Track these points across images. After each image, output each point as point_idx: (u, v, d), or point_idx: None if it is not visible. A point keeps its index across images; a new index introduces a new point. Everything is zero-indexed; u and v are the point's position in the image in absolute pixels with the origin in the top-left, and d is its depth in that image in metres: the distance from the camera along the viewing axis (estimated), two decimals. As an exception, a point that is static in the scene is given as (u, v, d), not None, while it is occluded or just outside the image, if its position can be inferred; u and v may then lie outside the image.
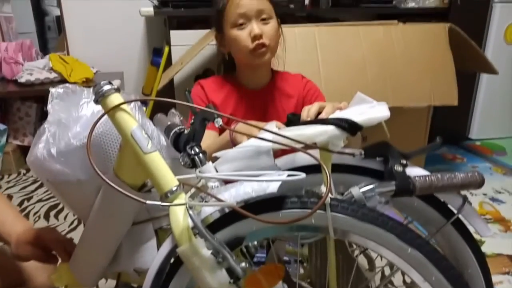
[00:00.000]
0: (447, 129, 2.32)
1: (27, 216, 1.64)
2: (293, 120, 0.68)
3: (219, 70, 1.14)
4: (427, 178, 0.60)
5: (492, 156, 2.23)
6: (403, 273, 1.07)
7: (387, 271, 1.14)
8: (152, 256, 0.70)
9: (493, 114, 2.41)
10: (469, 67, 1.83)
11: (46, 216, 1.64)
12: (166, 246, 0.56)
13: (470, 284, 0.64)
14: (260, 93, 1.04)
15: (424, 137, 1.74)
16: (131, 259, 0.71)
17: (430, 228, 0.67)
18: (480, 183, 0.62)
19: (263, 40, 0.95)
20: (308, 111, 0.74)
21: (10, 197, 1.80)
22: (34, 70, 2.00)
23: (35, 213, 1.66)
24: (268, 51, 0.97)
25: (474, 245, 0.66)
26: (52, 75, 2.00)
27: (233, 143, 0.83)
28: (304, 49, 1.47)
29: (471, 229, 0.65)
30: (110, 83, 0.57)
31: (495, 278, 1.24)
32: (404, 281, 1.14)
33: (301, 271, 0.79)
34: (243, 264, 0.51)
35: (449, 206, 0.65)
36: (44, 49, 2.43)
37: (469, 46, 1.62)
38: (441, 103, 1.55)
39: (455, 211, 0.64)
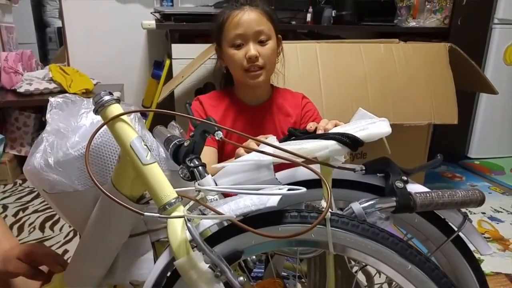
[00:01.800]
0: (447, 148, 2.33)
1: (22, 227, 1.62)
2: (294, 134, 0.68)
3: (220, 83, 1.15)
4: (428, 195, 0.59)
5: (491, 176, 2.24)
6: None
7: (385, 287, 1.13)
8: (149, 269, 0.69)
9: (493, 133, 2.43)
10: (469, 86, 1.85)
11: (42, 227, 1.62)
12: (163, 259, 0.55)
13: (470, 302, 0.64)
14: (258, 110, 1.04)
15: (423, 155, 1.74)
16: (127, 271, 0.70)
17: (429, 245, 0.67)
18: (480, 201, 0.61)
19: (259, 62, 0.95)
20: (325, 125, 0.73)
21: (5, 207, 1.79)
22: (34, 80, 2.01)
23: (30, 224, 1.64)
24: (263, 73, 0.98)
25: (474, 263, 0.65)
26: (52, 86, 2.00)
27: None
28: (305, 65, 1.48)
29: (471, 247, 0.64)
30: (110, 93, 0.57)
31: (494, 298, 1.24)
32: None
33: (299, 286, 0.78)
34: (241, 278, 0.50)
35: (450, 223, 0.65)
36: (45, 60, 2.44)
37: (469, 65, 1.64)
38: (441, 121, 1.56)
39: (456, 229, 0.64)
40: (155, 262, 0.71)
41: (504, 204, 1.90)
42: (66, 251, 1.44)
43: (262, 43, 0.96)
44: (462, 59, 1.62)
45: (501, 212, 1.82)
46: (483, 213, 1.80)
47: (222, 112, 1.04)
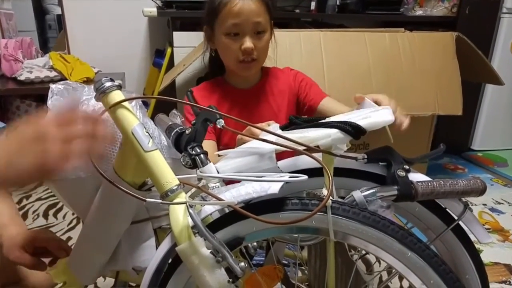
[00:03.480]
0: (450, 140, 2.31)
1: (26, 214, 1.63)
2: (295, 121, 0.68)
3: (210, 68, 1.13)
4: (429, 184, 0.59)
5: (494, 168, 2.24)
6: (400, 278, 1.07)
7: (384, 275, 1.14)
8: (151, 255, 0.70)
9: (496, 125, 2.41)
10: (475, 77, 1.82)
11: (45, 215, 1.64)
12: (165, 245, 0.56)
13: (468, 289, 0.64)
14: (251, 92, 1.04)
15: (427, 146, 1.73)
16: (129, 257, 0.71)
17: (430, 234, 0.67)
18: (482, 191, 0.61)
19: (253, 55, 0.94)
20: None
21: (9, 194, 1.80)
22: (34, 68, 1.99)
23: (34, 212, 1.65)
24: (255, 65, 0.97)
25: (473, 251, 0.66)
26: (52, 74, 1.99)
27: None
28: (309, 54, 1.47)
29: (471, 235, 0.65)
30: (111, 79, 0.57)
31: (492, 286, 1.25)
32: (401, 287, 1.13)
33: (300, 274, 0.79)
34: (242, 264, 0.50)
35: (450, 212, 0.65)
36: (45, 48, 2.42)
37: (475, 56, 1.62)
38: (446, 112, 1.54)
39: (456, 217, 0.64)
40: (157, 249, 0.72)
41: (506, 196, 1.90)
42: (69, 238, 1.46)
43: (258, 34, 0.94)
44: (468, 49, 1.60)
45: (503, 203, 1.82)
46: (484, 204, 1.80)
47: (215, 101, 1.03)
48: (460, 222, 0.64)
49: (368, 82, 1.48)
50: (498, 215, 1.72)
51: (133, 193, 0.51)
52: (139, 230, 0.73)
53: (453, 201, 0.64)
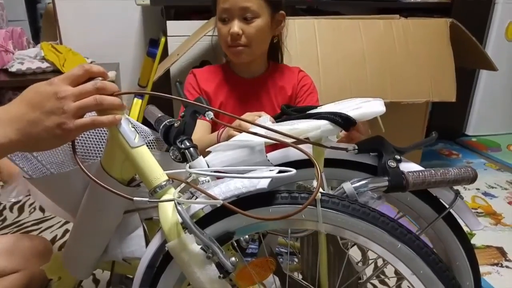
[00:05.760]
0: (445, 126, 2.32)
1: (22, 208, 1.63)
2: (287, 112, 0.67)
3: (219, 60, 1.13)
4: (420, 174, 0.59)
5: (487, 152, 2.25)
6: (385, 264, 1.08)
7: (379, 262, 1.15)
8: (139, 245, 0.70)
9: (491, 111, 2.41)
10: (469, 63, 1.82)
11: (42, 208, 1.63)
12: (156, 241, 0.56)
13: (458, 276, 0.66)
14: (253, 82, 1.03)
15: (421, 133, 1.73)
16: (118, 249, 0.71)
17: (421, 222, 0.67)
18: (472, 179, 0.62)
19: (241, 41, 0.93)
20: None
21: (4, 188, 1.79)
22: (26, 59, 1.96)
23: (30, 205, 1.65)
24: (246, 51, 0.95)
25: (464, 238, 0.66)
26: (45, 65, 1.96)
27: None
28: (303, 42, 1.45)
29: (462, 223, 0.65)
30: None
31: (484, 269, 1.28)
32: (395, 272, 1.15)
33: (293, 263, 0.79)
34: (233, 259, 0.50)
35: (441, 200, 0.65)
36: (36, 38, 2.37)
37: (469, 42, 1.61)
38: (440, 99, 1.54)
39: (447, 206, 0.64)
40: (146, 239, 0.72)
41: (499, 180, 1.92)
42: (67, 231, 1.46)
43: (247, 20, 0.93)
44: (463, 35, 1.59)
45: (495, 188, 1.85)
46: (478, 189, 1.82)
47: (215, 85, 1.03)
48: (451, 210, 0.64)
49: (363, 70, 1.47)
50: (491, 199, 1.74)
51: (119, 193, 0.50)
52: (126, 221, 0.72)
53: (444, 190, 0.64)
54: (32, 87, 0.50)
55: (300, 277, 0.71)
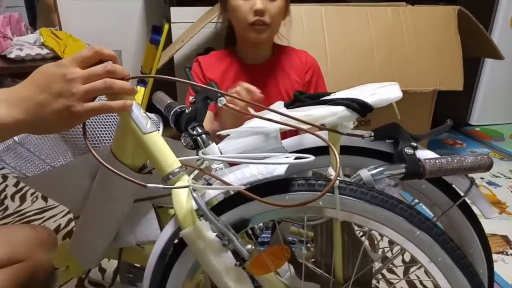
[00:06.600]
0: (449, 115, 2.30)
1: (24, 196, 1.62)
2: (300, 98, 0.65)
3: (226, 45, 1.10)
4: (437, 161, 0.58)
5: (491, 142, 2.26)
6: (402, 252, 1.08)
7: (390, 250, 1.15)
8: (153, 228, 0.69)
9: (494, 100, 2.41)
10: (474, 52, 1.80)
11: (44, 197, 1.62)
12: (169, 228, 0.55)
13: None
14: (260, 68, 1.01)
15: (427, 122, 1.72)
16: (131, 234, 0.70)
17: (436, 210, 0.67)
18: (488, 166, 0.61)
19: (264, 18, 0.91)
20: None
21: (5, 177, 1.78)
22: (24, 46, 1.92)
23: (32, 194, 1.64)
24: (268, 30, 0.93)
25: (478, 226, 0.66)
26: (44, 51, 1.92)
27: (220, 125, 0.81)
28: (311, 30, 1.43)
29: (476, 211, 0.65)
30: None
31: (489, 257, 1.29)
32: (403, 260, 1.15)
33: (305, 251, 0.79)
34: (249, 246, 0.50)
35: (456, 188, 0.64)
36: (34, 24, 2.33)
37: (476, 30, 1.59)
38: (447, 87, 1.52)
39: (462, 194, 0.63)
40: (158, 223, 0.71)
41: (502, 169, 1.92)
42: (71, 220, 1.45)
43: None
44: (469, 23, 1.57)
45: (499, 177, 1.85)
46: (482, 178, 1.83)
47: (221, 72, 1.00)
48: (466, 198, 0.63)
49: (371, 58, 1.45)
50: (495, 188, 1.75)
51: (133, 179, 0.49)
52: (137, 206, 0.71)
53: (459, 177, 0.63)
54: (40, 69, 0.49)
55: (313, 265, 0.70)
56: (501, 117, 2.47)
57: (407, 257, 1.16)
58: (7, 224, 1.41)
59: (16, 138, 0.59)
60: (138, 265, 0.84)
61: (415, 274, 1.12)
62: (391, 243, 1.12)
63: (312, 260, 0.69)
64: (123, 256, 0.77)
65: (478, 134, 2.35)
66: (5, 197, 1.61)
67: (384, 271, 1.13)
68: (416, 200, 0.69)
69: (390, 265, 1.10)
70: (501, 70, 2.30)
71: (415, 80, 1.49)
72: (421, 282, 1.11)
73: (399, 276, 1.12)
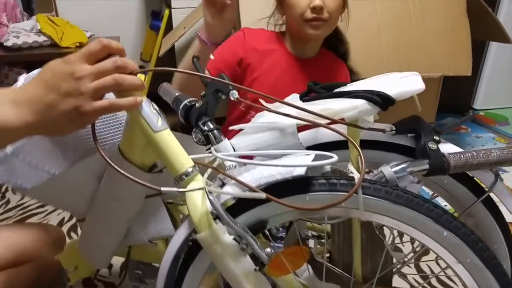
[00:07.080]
0: (453, 100, 2.29)
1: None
2: (314, 89, 0.61)
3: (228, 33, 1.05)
4: (462, 156, 0.55)
5: (495, 126, 2.23)
6: (412, 243, 1.07)
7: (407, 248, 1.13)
8: (165, 224, 0.67)
9: (498, 84, 2.37)
10: (481, 35, 1.76)
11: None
12: (183, 231, 0.52)
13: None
14: (307, 63, 0.97)
15: (433, 108, 1.69)
16: (144, 231, 0.68)
17: (458, 205, 0.64)
18: (515, 160, 0.58)
19: (323, 15, 0.87)
20: None
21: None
22: (21, 33, 1.85)
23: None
24: (324, 26, 0.89)
25: (502, 221, 0.64)
26: (41, 39, 1.85)
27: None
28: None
29: (501, 206, 0.62)
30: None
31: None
32: (414, 251, 1.13)
33: (318, 245, 0.77)
34: (268, 250, 0.47)
35: (479, 182, 0.62)
36: (28, 9, 2.26)
37: (484, 13, 1.54)
38: (455, 73, 1.49)
39: (486, 188, 0.61)
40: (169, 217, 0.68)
41: (509, 154, 1.91)
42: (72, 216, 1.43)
43: None
44: (476, 6, 1.52)
45: (506, 162, 1.84)
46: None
47: (260, 51, 0.95)
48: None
49: (378, 43, 1.41)
50: (502, 174, 1.72)
51: (146, 183, 0.46)
52: (147, 202, 0.68)
53: (483, 171, 0.60)
54: (48, 67, 0.46)
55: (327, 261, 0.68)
56: (505, 100, 2.44)
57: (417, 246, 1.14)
58: (10, 218, 1.39)
59: (8, 150, 0.55)
60: (146, 262, 0.82)
61: (426, 264, 1.11)
62: (401, 236, 1.10)
63: (328, 255, 0.67)
64: (132, 254, 0.75)
65: (483, 118, 2.32)
66: (6, 189, 1.58)
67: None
68: (435, 194, 0.67)
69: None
70: (506, 54, 2.27)
71: (423, 65, 1.45)
72: (433, 272, 1.10)
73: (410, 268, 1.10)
